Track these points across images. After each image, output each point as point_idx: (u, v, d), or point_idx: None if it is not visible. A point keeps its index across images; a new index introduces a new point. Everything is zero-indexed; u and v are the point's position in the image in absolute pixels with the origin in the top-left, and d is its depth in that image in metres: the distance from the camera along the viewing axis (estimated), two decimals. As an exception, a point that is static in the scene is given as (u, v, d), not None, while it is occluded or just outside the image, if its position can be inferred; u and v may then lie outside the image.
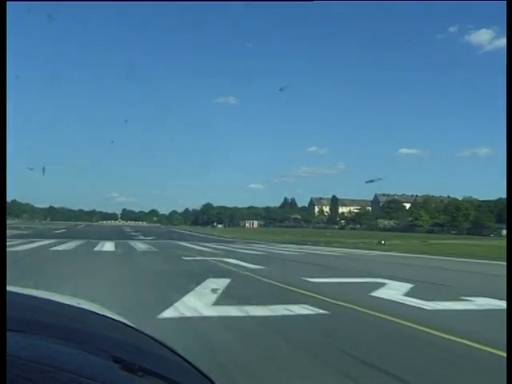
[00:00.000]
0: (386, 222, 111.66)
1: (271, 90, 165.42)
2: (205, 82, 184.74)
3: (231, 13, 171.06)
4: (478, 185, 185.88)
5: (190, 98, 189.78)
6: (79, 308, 0.99)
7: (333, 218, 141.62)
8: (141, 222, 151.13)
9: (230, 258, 18.60)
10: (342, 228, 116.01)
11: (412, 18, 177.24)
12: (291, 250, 28.23)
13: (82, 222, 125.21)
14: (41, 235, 40.31)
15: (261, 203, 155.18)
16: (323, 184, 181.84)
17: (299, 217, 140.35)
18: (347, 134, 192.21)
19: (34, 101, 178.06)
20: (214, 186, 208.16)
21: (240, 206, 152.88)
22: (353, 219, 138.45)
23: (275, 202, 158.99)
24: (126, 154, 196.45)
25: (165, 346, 0.91)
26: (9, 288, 0.91)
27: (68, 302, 1.03)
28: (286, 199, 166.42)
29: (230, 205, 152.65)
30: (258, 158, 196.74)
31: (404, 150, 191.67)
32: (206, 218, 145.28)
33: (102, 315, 0.98)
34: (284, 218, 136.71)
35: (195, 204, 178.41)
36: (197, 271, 13.29)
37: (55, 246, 25.05)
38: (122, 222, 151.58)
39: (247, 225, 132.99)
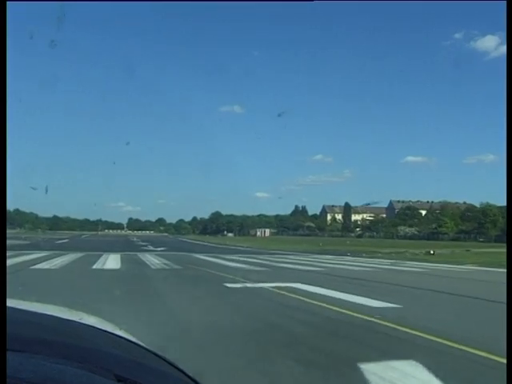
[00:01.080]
0: (407, 230, 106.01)
1: (277, 100, 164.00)
2: (210, 91, 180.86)
3: (237, 20, 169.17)
4: (490, 191, 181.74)
5: (195, 106, 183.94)
6: (80, 323, 0.96)
7: (348, 226, 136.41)
8: (148, 232, 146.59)
9: (291, 281, 12.81)
10: (360, 236, 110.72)
11: (416, 25, 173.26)
12: (348, 263, 23.07)
13: (87, 232, 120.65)
14: (38, 246, 35.55)
15: (268, 212, 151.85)
16: (330, 192, 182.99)
17: (313, 225, 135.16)
18: (352, 142, 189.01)
19: (40, 105, 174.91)
20: (219, 194, 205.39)
21: (248, 214, 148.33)
22: (368, 227, 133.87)
23: (282, 211, 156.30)
24: (131, 163, 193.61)
25: (166, 361, 0.90)
26: (9, 303, 0.91)
27: (69, 317, 0.99)
28: (296, 207, 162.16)
29: (237, 213, 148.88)
30: (264, 166, 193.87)
31: (410, 158, 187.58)
32: (215, 226, 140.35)
33: (104, 330, 0.96)
34: (297, 226, 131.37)
35: (202, 213, 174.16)
36: (298, 332, 6.59)
37: (44, 261, 20.04)
38: (129, 232, 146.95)
39: (258, 233, 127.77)
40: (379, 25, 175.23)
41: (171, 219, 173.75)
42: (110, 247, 37.71)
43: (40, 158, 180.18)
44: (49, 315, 0.99)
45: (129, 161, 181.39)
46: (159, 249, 37.60)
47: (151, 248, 39.53)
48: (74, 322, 0.98)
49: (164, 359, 0.90)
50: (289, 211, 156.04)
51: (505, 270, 19.23)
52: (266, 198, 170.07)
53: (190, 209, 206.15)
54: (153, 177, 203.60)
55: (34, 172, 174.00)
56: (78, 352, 0.78)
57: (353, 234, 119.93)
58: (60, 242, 50.73)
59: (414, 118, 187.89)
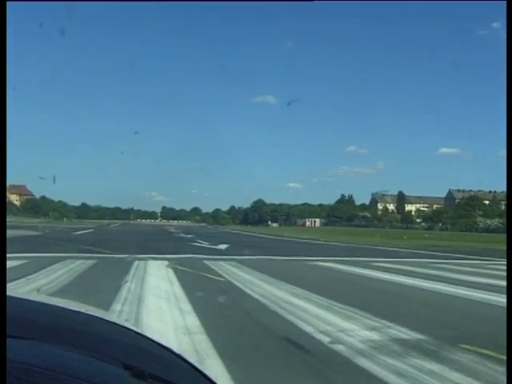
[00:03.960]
0: (489, 221, 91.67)
1: (310, 89, 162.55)
2: (244, 82, 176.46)
3: (270, 11, 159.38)
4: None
5: (229, 97, 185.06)
6: (88, 314, 0.97)
7: (407, 217, 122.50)
8: (184, 221, 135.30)
9: None
10: (430, 228, 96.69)
11: (451, 14, 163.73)
12: None
13: (118, 221, 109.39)
14: (37, 242, 22.96)
15: (298, 201, 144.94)
16: (363, 183, 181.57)
17: (368, 215, 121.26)
18: (386, 134, 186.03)
19: (75, 95, 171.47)
20: (252, 184, 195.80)
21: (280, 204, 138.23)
22: (430, 218, 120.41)
23: (315, 201, 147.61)
24: (164, 154, 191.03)
25: (172, 352, 0.90)
26: (18, 294, 0.94)
27: (75, 309, 0.99)
28: (342, 196, 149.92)
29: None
30: (297, 157, 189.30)
31: (444, 150, 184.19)
32: (258, 216, 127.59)
33: (110, 321, 0.97)
34: (351, 216, 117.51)
35: (235, 202, 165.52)
36: None
37: None
38: (163, 221, 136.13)
39: (308, 223, 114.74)
40: (411, 15, 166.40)
41: (207, 208, 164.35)
42: (146, 243, 25.01)
43: (70, 145, 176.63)
44: (56, 306, 0.98)
45: (161, 152, 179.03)
46: (221, 246, 24.43)
47: (205, 244, 26.57)
48: (82, 313, 0.97)
49: (170, 350, 0.90)
50: (327, 201, 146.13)
51: None
52: (298, 188, 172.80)
53: (224, 198, 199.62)
54: (184, 167, 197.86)
55: (63, 160, 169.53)
56: (86, 340, 0.78)
57: (417, 226, 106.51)
58: (79, 233, 38.32)
59: (449, 109, 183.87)
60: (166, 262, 13.23)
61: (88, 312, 1.00)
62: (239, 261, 14.97)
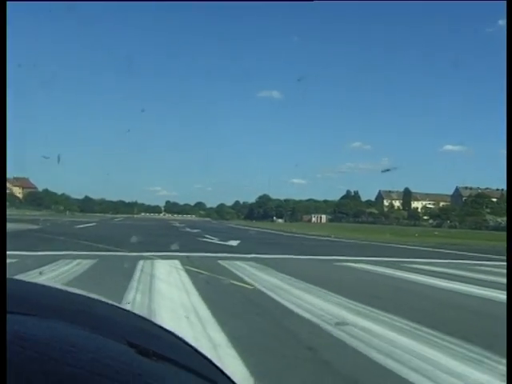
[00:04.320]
0: (500, 219, 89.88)
1: (314, 85, 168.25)
2: (248, 76, 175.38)
3: (275, 7, 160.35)
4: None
5: (234, 92, 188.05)
6: (89, 297, 0.96)
7: (414, 214, 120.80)
8: (188, 216, 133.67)
9: None
10: (439, 226, 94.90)
11: (457, 12, 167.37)
12: None
13: (121, 215, 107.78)
14: (34, 236, 21.24)
15: (302, 197, 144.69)
16: (368, 179, 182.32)
17: (375, 211, 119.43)
18: (391, 130, 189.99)
19: (77, 90, 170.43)
20: (256, 179, 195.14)
21: (283, 199, 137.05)
22: (437, 215, 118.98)
23: (320, 196, 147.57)
24: (167, 149, 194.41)
25: (174, 334, 0.90)
26: (18, 276, 0.96)
27: (79, 293, 0.97)
28: (348, 192, 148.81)
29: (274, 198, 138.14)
30: (301, 152, 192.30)
31: (449, 147, 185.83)
32: (263, 211, 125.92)
33: (113, 304, 0.96)
34: (358, 213, 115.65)
35: (239, 197, 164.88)
36: None
37: None
38: (167, 215, 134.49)
39: (314, 219, 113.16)
40: (417, 16, 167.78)
41: (211, 203, 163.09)
42: (151, 238, 23.30)
43: (74, 139, 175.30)
44: (60, 288, 0.97)
45: (163, 146, 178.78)
46: (231, 242, 22.69)
47: (214, 240, 24.84)
48: (84, 295, 0.96)
49: (172, 333, 0.90)
50: (331, 197, 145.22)
51: None
52: (302, 184, 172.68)
53: (228, 193, 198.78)
54: (188, 162, 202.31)
55: (66, 153, 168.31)
56: (90, 320, 0.78)
57: (425, 223, 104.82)
58: (81, 226, 36.62)
59: (453, 106, 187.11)
60: (176, 262, 11.48)
61: (90, 295, 0.99)
62: (257, 260, 13.19)
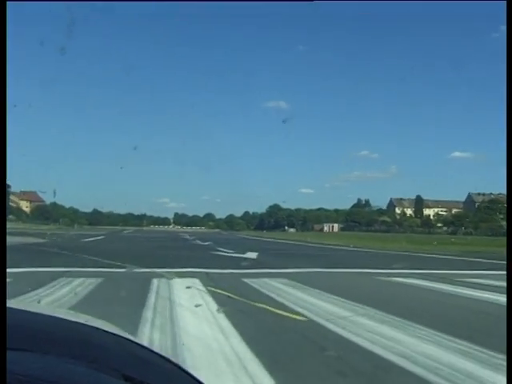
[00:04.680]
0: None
1: (321, 94, 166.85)
2: (256, 86, 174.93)
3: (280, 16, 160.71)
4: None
5: (240, 102, 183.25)
6: (87, 325, 0.97)
7: (428, 221, 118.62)
8: (197, 228, 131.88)
9: None
10: (454, 233, 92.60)
11: (465, 17, 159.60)
12: None
13: (131, 227, 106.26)
14: (37, 251, 19.62)
15: (311, 206, 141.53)
16: (375, 188, 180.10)
17: (388, 219, 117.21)
18: (398, 138, 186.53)
19: (84, 103, 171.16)
20: (264, 190, 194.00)
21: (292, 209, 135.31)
22: (451, 222, 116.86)
23: (328, 206, 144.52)
24: (174, 161, 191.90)
25: (171, 362, 0.90)
26: (17, 306, 0.94)
27: (75, 319, 0.99)
28: (359, 200, 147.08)
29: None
30: (308, 162, 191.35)
31: (457, 154, 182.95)
32: (273, 221, 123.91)
33: (110, 332, 0.96)
34: (370, 221, 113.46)
35: (248, 207, 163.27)
36: None
37: None
38: (176, 228, 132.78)
39: (326, 228, 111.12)
40: (425, 22, 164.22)
41: (220, 214, 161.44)
42: (162, 252, 21.58)
43: (81, 152, 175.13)
44: (56, 317, 0.98)
45: (171, 158, 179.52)
46: (249, 255, 20.88)
47: (230, 253, 23.06)
48: (81, 323, 0.97)
49: (169, 360, 0.90)
50: (340, 206, 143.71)
51: None
52: (310, 193, 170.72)
53: (237, 204, 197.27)
54: (195, 174, 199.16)
55: (74, 166, 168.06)
56: (86, 352, 0.78)
57: (439, 230, 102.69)
58: (89, 240, 34.95)
59: (464, 113, 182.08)
60: (196, 281, 9.71)
61: (88, 323, 0.99)
62: (287, 276, 11.41)
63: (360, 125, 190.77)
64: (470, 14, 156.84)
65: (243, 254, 22.02)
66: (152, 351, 0.92)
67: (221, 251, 24.60)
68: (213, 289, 8.63)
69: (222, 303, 7.00)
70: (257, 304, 7.00)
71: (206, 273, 11.86)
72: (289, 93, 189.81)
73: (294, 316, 6.08)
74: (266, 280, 10.58)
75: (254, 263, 16.68)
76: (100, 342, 0.88)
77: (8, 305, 0.88)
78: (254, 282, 10.10)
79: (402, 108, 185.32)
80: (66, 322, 0.94)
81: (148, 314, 6.05)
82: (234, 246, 30.07)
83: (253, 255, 21.06)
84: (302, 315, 6.11)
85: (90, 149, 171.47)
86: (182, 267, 13.19)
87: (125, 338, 0.96)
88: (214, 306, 6.81)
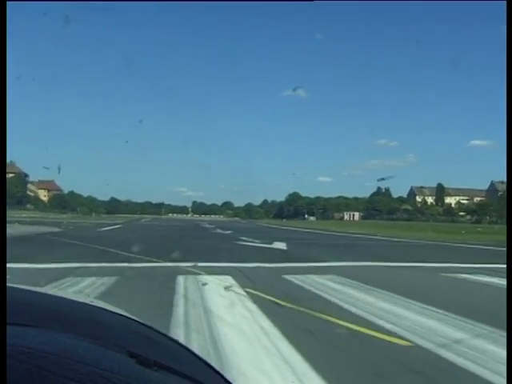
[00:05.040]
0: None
1: (340, 83, 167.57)
2: (274, 74, 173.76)
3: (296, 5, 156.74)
4: None
5: (257, 90, 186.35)
6: (92, 305, 0.96)
7: (450, 210, 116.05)
8: (216, 216, 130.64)
9: None
10: (478, 221, 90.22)
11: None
12: None
13: (149, 216, 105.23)
14: (48, 243, 18.05)
15: (329, 194, 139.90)
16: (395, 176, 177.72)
17: (410, 208, 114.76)
18: (416, 126, 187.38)
19: (98, 92, 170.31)
20: (280, 179, 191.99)
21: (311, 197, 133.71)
22: (474, 210, 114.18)
23: (346, 194, 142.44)
24: (192, 149, 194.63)
25: (178, 342, 0.90)
26: (21, 286, 0.93)
27: (81, 300, 0.98)
28: (379, 188, 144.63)
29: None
30: (326, 150, 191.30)
31: (476, 142, 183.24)
32: (293, 209, 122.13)
33: (115, 312, 0.96)
34: (392, 210, 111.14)
35: (267, 195, 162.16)
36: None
37: None
38: (195, 216, 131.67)
39: (346, 217, 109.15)
40: (442, 13, 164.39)
41: (238, 203, 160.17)
42: (184, 242, 20.01)
43: (100, 141, 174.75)
44: (61, 297, 0.98)
45: (188, 146, 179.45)
46: (277, 245, 19.14)
47: (256, 242, 21.34)
48: (87, 304, 0.96)
49: (175, 341, 0.89)
50: (359, 194, 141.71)
51: None
52: (328, 182, 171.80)
53: (255, 192, 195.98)
54: (212, 163, 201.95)
55: (92, 155, 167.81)
56: (91, 329, 0.78)
57: (463, 219, 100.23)
58: (106, 229, 33.52)
59: (482, 100, 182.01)
60: (229, 280, 8.01)
61: (93, 303, 0.98)
62: (336, 271, 9.63)
63: (378, 113, 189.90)
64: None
65: (270, 244, 20.29)
66: (158, 331, 0.89)
67: (245, 241, 22.89)
68: (252, 291, 6.90)
69: (273, 314, 5.25)
70: (322, 316, 5.22)
71: (238, 268, 10.15)
72: (307, 81, 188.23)
73: (388, 338, 4.26)
74: (313, 277, 8.81)
75: (286, 255, 14.94)
76: (105, 320, 0.86)
77: (10, 285, 0.87)
78: (300, 280, 8.35)
79: (421, 96, 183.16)
80: (71, 302, 0.94)
81: (179, 332, 4.33)
82: (257, 235, 28.39)
83: (281, 245, 19.32)
84: (400, 337, 4.31)
85: (108, 138, 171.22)
86: (209, 261, 11.52)
87: (130, 318, 0.93)
88: (261, 317, 5.07)
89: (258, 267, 10.68)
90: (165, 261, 11.23)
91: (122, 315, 0.95)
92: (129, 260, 11.43)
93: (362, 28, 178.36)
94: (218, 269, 9.82)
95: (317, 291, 7.18)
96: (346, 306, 5.95)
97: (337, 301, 6.32)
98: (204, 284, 7.48)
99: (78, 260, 11.13)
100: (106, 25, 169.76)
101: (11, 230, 26.82)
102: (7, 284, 0.86)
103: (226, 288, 7.09)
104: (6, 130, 1.10)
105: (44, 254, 12.40)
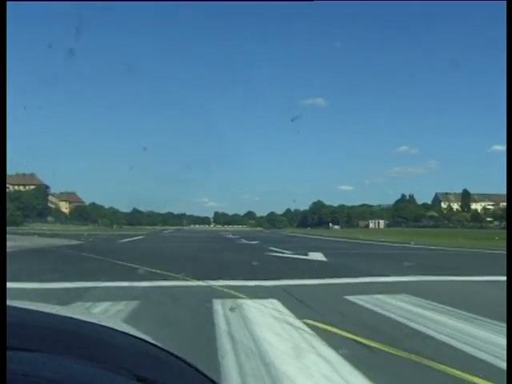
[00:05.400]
0: None
1: (359, 91, 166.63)
2: (293, 83, 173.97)
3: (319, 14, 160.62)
4: None
5: (277, 100, 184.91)
6: (99, 325, 0.95)
7: (477, 216, 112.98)
8: (239, 226, 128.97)
9: None
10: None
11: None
12: None
13: (171, 227, 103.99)
14: (63, 258, 16.56)
15: (350, 203, 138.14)
16: (417, 183, 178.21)
17: (436, 214, 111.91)
18: (437, 133, 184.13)
19: (115, 106, 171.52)
20: (301, 188, 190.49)
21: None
22: (502, 216, 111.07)
23: (368, 202, 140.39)
24: (213, 160, 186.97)
25: (186, 362, 0.88)
26: (30, 306, 0.95)
27: (88, 320, 0.97)
28: (403, 196, 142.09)
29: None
30: (347, 159, 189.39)
31: (497, 147, 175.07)
32: (317, 218, 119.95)
33: (123, 332, 0.96)
34: (418, 217, 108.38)
35: (289, 204, 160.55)
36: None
37: None
38: (217, 226, 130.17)
39: (371, 225, 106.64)
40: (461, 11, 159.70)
41: (261, 212, 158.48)
42: (211, 255, 18.40)
43: (121, 153, 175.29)
44: (68, 317, 0.97)
45: (209, 157, 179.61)
46: (314, 256, 17.33)
47: (288, 253, 19.57)
48: (93, 323, 0.95)
49: (183, 360, 0.88)
50: (381, 202, 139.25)
51: None
52: (349, 190, 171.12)
53: (277, 202, 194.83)
54: (234, 173, 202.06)
55: (113, 167, 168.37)
56: (98, 352, 0.78)
57: (491, 225, 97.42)
58: (127, 240, 32.12)
59: (497, 107, 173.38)
60: (278, 306, 6.27)
61: (100, 322, 0.98)
62: (405, 289, 7.84)
63: (399, 120, 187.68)
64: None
65: (305, 255, 18.49)
66: (167, 351, 0.89)
67: (276, 251, 21.12)
68: (315, 323, 5.14)
69: (371, 368, 3.48)
70: (443, 368, 3.43)
71: (281, 287, 8.42)
72: (327, 90, 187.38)
73: None
74: (382, 298, 7.03)
75: (329, 268, 13.15)
76: (113, 341, 0.85)
77: (17, 305, 0.87)
78: (369, 303, 6.57)
79: (440, 102, 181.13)
80: (78, 322, 0.93)
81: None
82: (286, 245, 26.63)
83: (318, 256, 17.51)
84: None
85: (128, 150, 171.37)
86: (243, 278, 9.81)
87: (139, 339, 0.93)
88: (358, 379, 3.30)
89: (306, 285, 8.93)
90: (193, 278, 9.55)
91: (130, 335, 0.93)
92: (152, 277, 9.77)
93: (381, 34, 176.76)
94: (256, 289, 8.11)
95: (402, 320, 5.39)
96: (456, 343, 4.16)
97: (438, 335, 4.53)
98: (248, 314, 5.75)
99: (92, 278, 9.54)
100: (100, 35, 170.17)
101: (28, 242, 25.51)
102: (16, 303, 0.86)
103: (278, 320, 5.34)
104: (5, 131, 1.07)
105: (54, 271, 10.82)
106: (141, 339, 0.93)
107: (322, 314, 5.72)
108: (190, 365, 0.87)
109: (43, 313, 0.95)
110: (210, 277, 9.74)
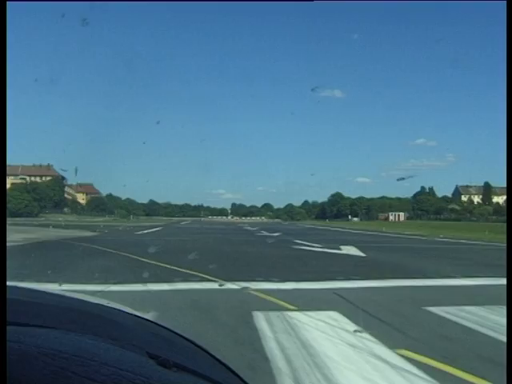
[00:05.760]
0: None
1: (377, 83, 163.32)
2: (311, 75, 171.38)
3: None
4: None
5: (294, 91, 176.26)
6: (110, 307, 0.98)
7: (500, 209, 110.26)
8: (257, 218, 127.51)
9: None
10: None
11: None
12: None
13: (188, 218, 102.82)
14: (73, 252, 15.03)
15: (368, 195, 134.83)
16: (435, 175, 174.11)
17: (457, 207, 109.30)
18: (456, 125, 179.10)
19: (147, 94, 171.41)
20: (318, 179, 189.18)
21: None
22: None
23: (386, 194, 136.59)
24: (230, 151, 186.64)
25: (195, 344, 0.90)
26: (39, 286, 0.93)
27: (99, 302, 1.01)
28: (422, 188, 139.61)
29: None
30: (364, 151, 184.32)
31: None
32: (336, 210, 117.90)
33: (133, 314, 0.98)
34: (439, 209, 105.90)
35: (307, 196, 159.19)
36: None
37: None
38: (235, 218, 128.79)
39: (391, 217, 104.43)
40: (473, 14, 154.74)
41: (278, 204, 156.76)
42: (233, 249, 16.94)
43: (139, 144, 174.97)
44: (80, 299, 1.00)
45: (226, 149, 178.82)
46: (347, 250, 15.64)
47: (316, 247, 18.01)
48: (104, 305, 0.98)
49: (193, 342, 0.90)
50: (399, 194, 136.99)
51: None
52: (366, 182, 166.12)
53: (294, 194, 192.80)
54: (250, 165, 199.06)
55: (131, 158, 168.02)
56: (110, 331, 0.80)
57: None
58: (144, 232, 30.73)
59: None
60: (342, 322, 4.63)
61: (110, 305, 0.99)
62: (484, 296, 6.16)
63: (417, 112, 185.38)
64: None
65: (337, 249, 16.81)
66: (175, 332, 0.91)
67: (303, 245, 19.49)
68: (416, 356, 3.48)
69: None
70: None
71: (333, 291, 6.77)
72: (344, 82, 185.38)
73: None
74: (477, 311, 5.34)
75: (375, 266, 11.43)
76: (122, 321, 0.87)
77: (30, 286, 0.89)
78: (463, 319, 4.91)
79: (458, 95, 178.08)
80: (88, 303, 0.94)
81: None
82: (311, 238, 25.05)
83: (353, 251, 15.82)
84: None
85: (146, 141, 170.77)
86: (280, 279, 8.18)
87: (148, 320, 0.94)
88: None
89: (362, 289, 7.25)
90: (221, 278, 7.93)
91: (138, 316, 0.95)
92: (171, 278, 8.17)
93: (397, 28, 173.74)
94: (301, 294, 6.48)
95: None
96: None
97: None
98: (309, 339, 4.08)
99: (100, 278, 8.00)
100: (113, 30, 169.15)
101: (38, 234, 24.22)
102: (26, 284, 0.85)
103: (360, 349, 3.67)
104: (5, 131, 1.10)
105: (60, 269, 9.28)
106: (150, 321, 0.94)
107: (419, 339, 4.03)
108: (199, 346, 0.87)
109: (54, 294, 0.96)
110: (240, 276, 8.14)
